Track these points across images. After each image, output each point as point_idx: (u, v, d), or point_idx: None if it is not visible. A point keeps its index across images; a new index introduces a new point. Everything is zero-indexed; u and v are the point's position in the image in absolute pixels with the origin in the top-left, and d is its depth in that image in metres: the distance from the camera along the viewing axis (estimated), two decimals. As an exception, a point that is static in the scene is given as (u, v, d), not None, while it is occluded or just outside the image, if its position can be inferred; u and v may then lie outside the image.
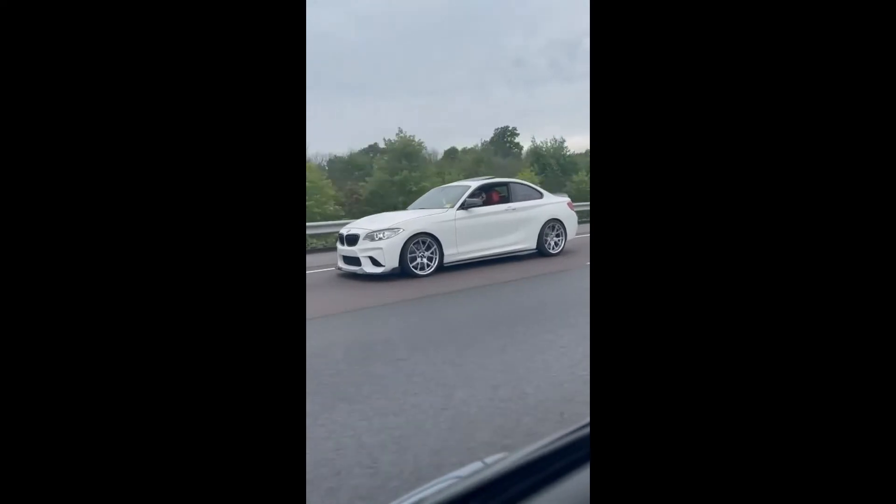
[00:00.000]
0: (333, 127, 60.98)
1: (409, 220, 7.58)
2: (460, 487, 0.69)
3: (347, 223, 9.53)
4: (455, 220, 7.80)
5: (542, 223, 8.61)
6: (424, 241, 7.52)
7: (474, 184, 8.67)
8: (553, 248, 8.74)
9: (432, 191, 9.33)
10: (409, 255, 7.35)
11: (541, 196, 8.86)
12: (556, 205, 8.90)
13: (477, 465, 0.83)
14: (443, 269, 7.79)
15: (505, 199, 8.61)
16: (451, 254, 7.72)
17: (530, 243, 8.57)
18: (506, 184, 8.81)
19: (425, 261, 7.53)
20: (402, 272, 7.31)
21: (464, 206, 7.99)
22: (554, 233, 8.78)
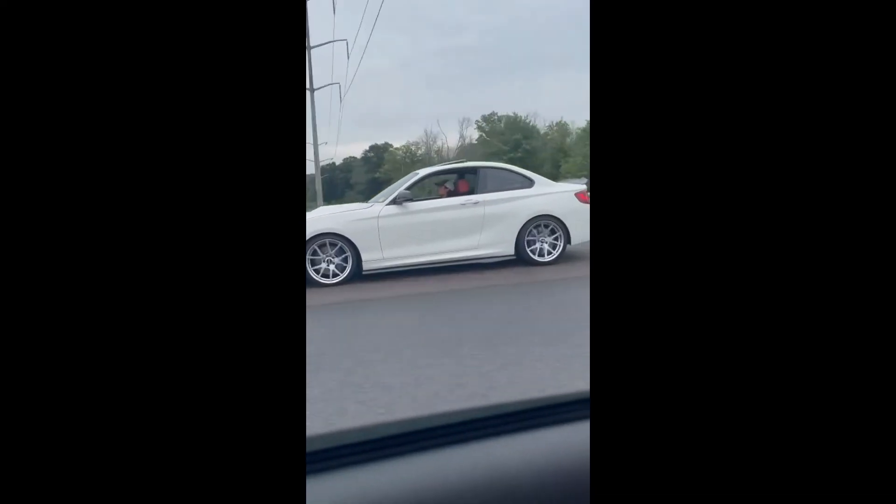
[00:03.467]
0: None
1: (312, 219, 6.08)
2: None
3: None
4: (379, 218, 6.10)
5: (525, 221, 6.39)
6: (335, 243, 5.90)
7: (422, 172, 6.77)
8: (542, 255, 6.47)
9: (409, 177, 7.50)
10: (309, 260, 5.83)
11: (530, 184, 6.61)
12: (554, 196, 6.57)
13: None
14: (362, 277, 6.08)
15: (472, 191, 6.57)
16: (373, 259, 6.06)
17: (504, 247, 6.42)
18: (475, 170, 6.73)
19: (333, 268, 5.93)
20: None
21: (395, 202, 6.19)
22: (547, 234, 6.50)
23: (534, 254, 6.45)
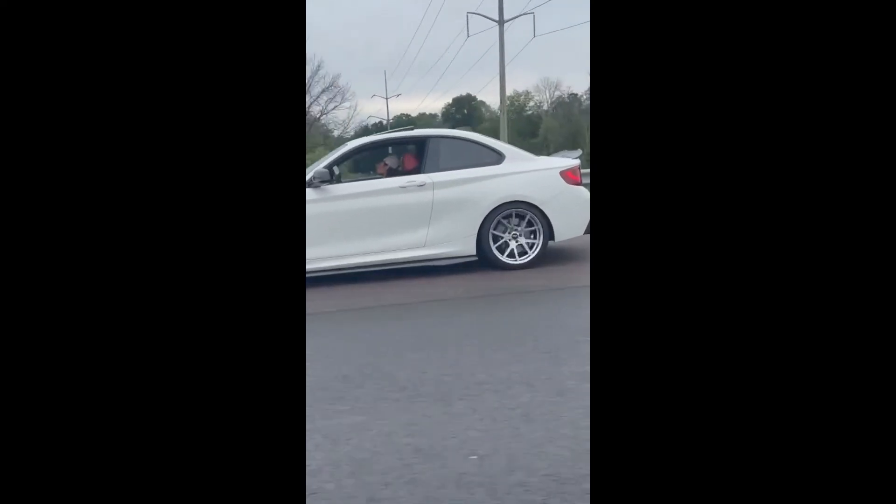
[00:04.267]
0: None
1: None
2: None
3: None
4: None
5: (490, 209, 4.69)
6: None
7: (353, 144, 5.09)
8: (513, 256, 4.76)
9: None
10: None
11: (498, 159, 4.89)
12: (531, 176, 4.83)
13: None
14: None
15: (420, 169, 4.86)
16: None
17: (461, 245, 4.72)
18: (423, 140, 5.01)
19: None
20: None
21: (310, 184, 4.52)
22: (521, 227, 4.78)
23: (502, 253, 4.74)
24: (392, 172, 5.10)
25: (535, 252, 4.77)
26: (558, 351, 2.61)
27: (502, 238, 4.76)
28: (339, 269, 4.65)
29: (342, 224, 4.55)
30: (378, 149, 5.49)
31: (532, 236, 4.79)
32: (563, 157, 5.31)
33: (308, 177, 4.58)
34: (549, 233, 4.77)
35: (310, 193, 4.53)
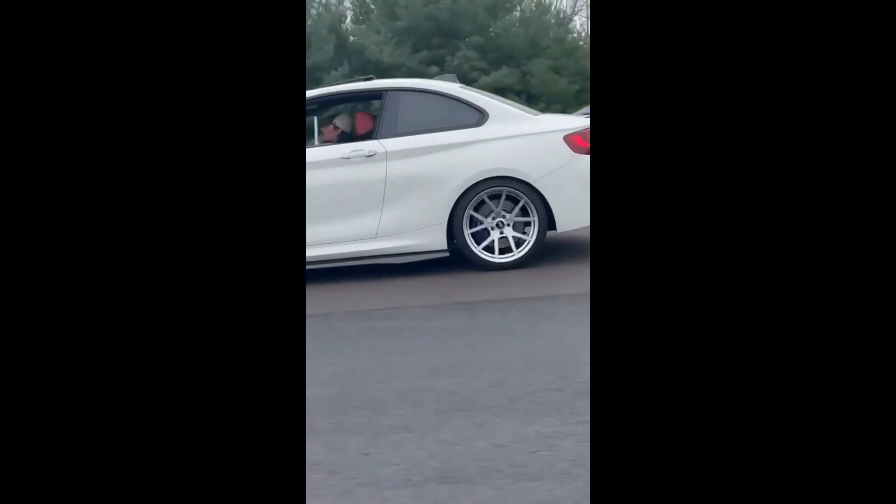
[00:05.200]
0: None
1: None
2: None
3: None
4: None
5: (464, 188, 3.42)
6: None
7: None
8: (497, 251, 3.48)
9: None
10: None
11: (480, 119, 3.57)
12: (522, 142, 3.47)
13: None
14: None
15: (374, 133, 3.61)
16: None
17: (427, 237, 3.48)
18: (380, 93, 3.73)
19: None
20: None
21: None
22: (509, 212, 3.48)
23: (480, 245, 3.47)
24: (345, 138, 3.87)
25: (528, 246, 3.49)
26: (544, 424, 1.40)
27: (482, 225, 3.51)
28: None
29: None
30: (325, 106, 4.24)
31: (525, 224, 3.52)
32: (567, 116, 3.97)
33: None
34: (548, 220, 3.48)
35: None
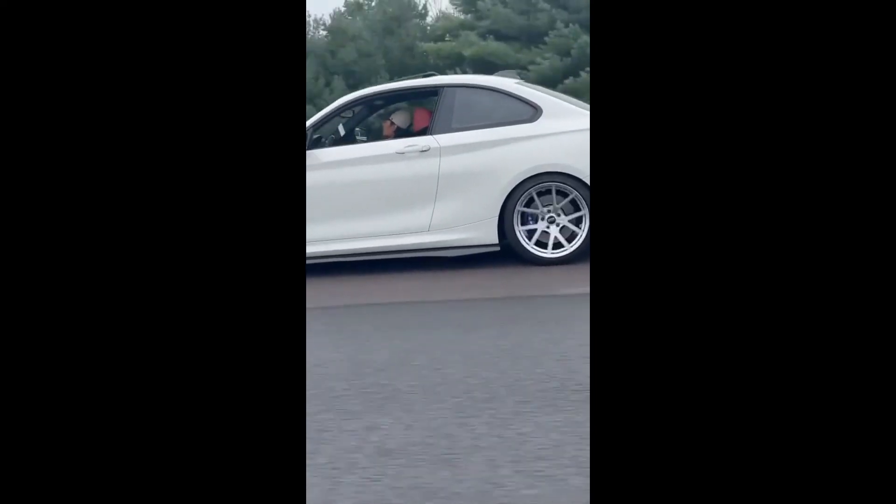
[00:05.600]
0: None
1: None
2: None
3: None
4: None
5: (516, 183, 3.46)
6: None
7: (346, 98, 3.98)
8: (549, 246, 3.51)
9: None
10: None
11: (533, 116, 3.58)
12: (576, 137, 3.42)
13: None
14: None
15: (429, 129, 3.70)
16: None
17: (477, 232, 3.54)
18: (436, 90, 3.81)
19: None
20: None
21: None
22: (560, 207, 3.49)
23: (531, 240, 3.52)
24: (401, 134, 3.99)
25: (579, 241, 3.51)
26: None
27: (535, 221, 3.55)
28: (326, 256, 3.66)
29: (322, 200, 3.52)
30: (388, 102, 4.38)
31: (577, 219, 3.53)
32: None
33: None
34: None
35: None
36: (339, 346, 2.43)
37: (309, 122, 3.72)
